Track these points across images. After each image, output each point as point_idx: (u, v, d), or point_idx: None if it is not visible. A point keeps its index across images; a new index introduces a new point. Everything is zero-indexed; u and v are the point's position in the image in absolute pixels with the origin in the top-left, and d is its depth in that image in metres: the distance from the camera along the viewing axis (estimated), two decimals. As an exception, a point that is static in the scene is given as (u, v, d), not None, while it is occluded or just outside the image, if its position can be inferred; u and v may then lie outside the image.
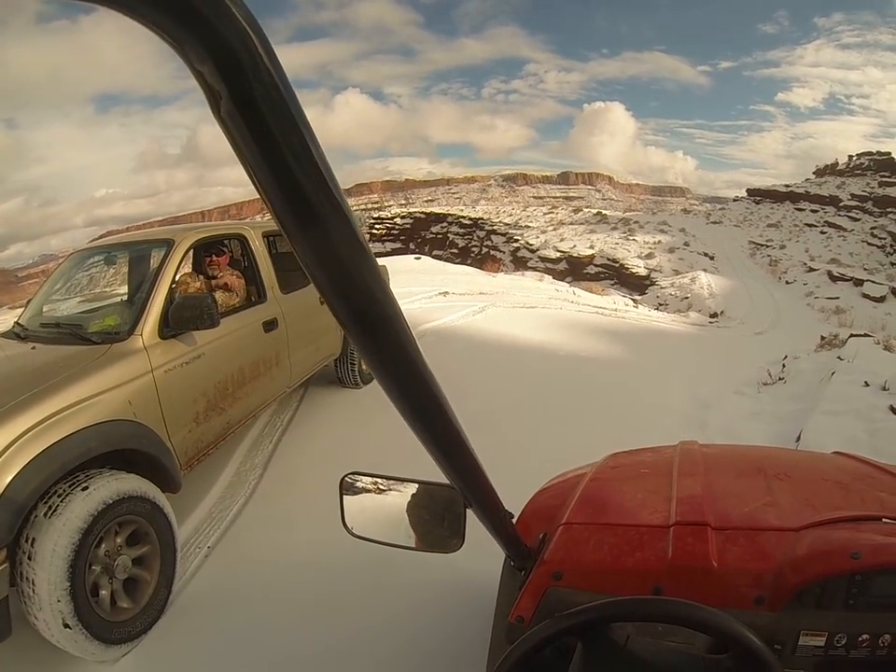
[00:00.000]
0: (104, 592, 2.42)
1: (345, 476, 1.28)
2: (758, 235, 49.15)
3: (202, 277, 4.02)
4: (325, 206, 0.38)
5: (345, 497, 1.27)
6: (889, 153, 53.37)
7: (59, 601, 2.17)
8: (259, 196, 0.38)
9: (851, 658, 1.00)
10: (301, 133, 0.35)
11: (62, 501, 2.27)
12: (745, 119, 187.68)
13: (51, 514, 2.23)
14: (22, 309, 3.87)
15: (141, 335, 2.95)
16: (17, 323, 3.56)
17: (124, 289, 4.25)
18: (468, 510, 1.00)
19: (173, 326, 3.06)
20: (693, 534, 1.18)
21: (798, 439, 4.62)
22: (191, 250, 3.83)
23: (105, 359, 2.74)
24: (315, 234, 0.39)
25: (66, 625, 2.19)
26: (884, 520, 1.16)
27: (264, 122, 0.33)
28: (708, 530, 1.18)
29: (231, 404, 3.50)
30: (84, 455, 2.40)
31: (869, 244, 44.00)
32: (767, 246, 45.89)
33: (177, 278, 3.49)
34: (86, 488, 2.33)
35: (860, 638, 1.00)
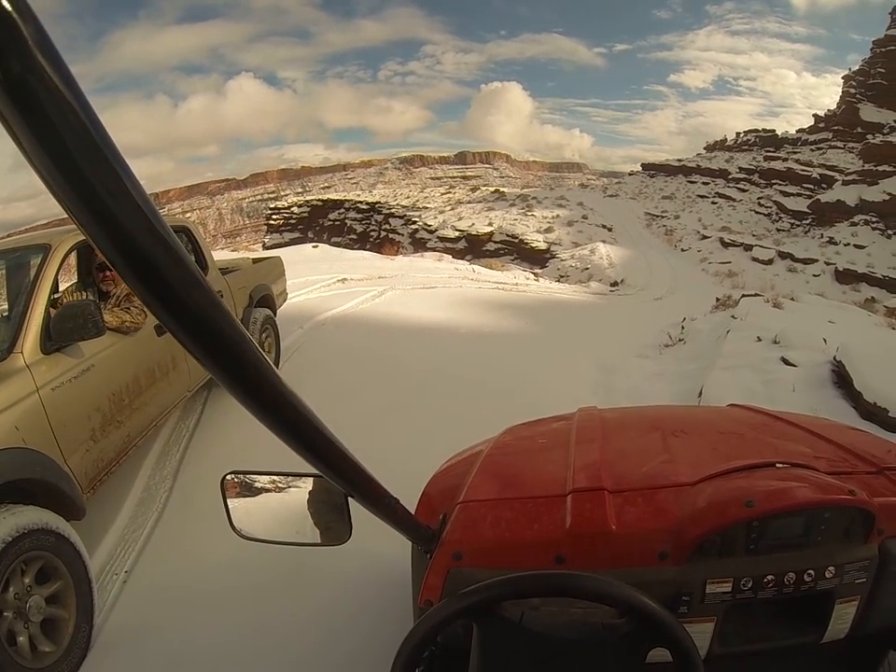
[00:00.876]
0: (21, 638, 2.21)
1: (225, 476, 1.23)
2: (653, 207, 52.02)
3: (89, 291, 3.66)
4: (123, 207, 0.34)
5: (229, 500, 1.22)
6: (773, 130, 59.16)
7: None
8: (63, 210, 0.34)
9: (760, 598, 1.07)
10: (86, 123, 0.32)
11: None
12: (639, 98, 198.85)
13: None
14: None
15: (21, 352, 2.68)
16: None
17: (4, 304, 3.90)
18: (350, 499, 0.99)
19: (56, 338, 2.81)
20: (591, 499, 1.21)
21: (700, 394, 4.91)
22: (72, 254, 3.52)
23: None
24: (123, 246, 0.36)
25: None
26: (777, 465, 1.22)
27: (42, 112, 0.30)
28: (605, 494, 1.21)
29: (128, 416, 3.28)
30: None
31: (756, 212, 47.90)
32: (663, 217, 48.76)
33: (61, 289, 3.22)
34: None
35: (765, 580, 1.06)
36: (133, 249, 0.35)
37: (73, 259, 3.55)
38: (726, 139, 62.69)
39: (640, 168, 65.54)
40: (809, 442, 1.44)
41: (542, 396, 4.97)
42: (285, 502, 1.21)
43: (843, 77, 54.10)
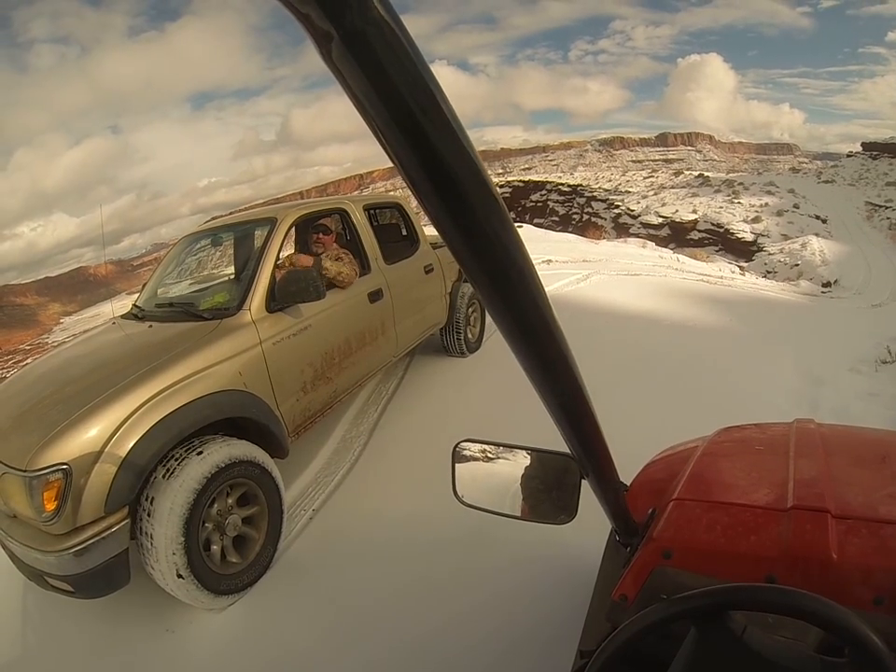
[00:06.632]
0: (215, 547, 2.61)
1: (458, 444, 1.26)
2: (875, 195, 44.96)
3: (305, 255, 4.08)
4: (452, 155, 0.34)
5: (457, 466, 1.25)
6: None
7: (174, 554, 2.35)
8: (387, 156, 0.35)
9: None
10: (420, 73, 0.32)
11: (178, 465, 2.44)
12: (854, 63, 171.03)
13: (169, 476, 2.41)
14: (138, 293, 4.06)
15: (249, 310, 3.05)
16: (135, 305, 3.78)
17: (231, 269, 4.43)
18: (583, 480, 0.95)
19: (279, 300, 3.16)
20: (812, 520, 1.06)
21: (924, 425, 4.24)
22: (294, 227, 3.93)
23: (215, 334, 2.87)
24: (447, 191, 0.36)
25: (180, 576, 2.39)
26: None
27: (379, 63, 0.30)
28: (829, 517, 1.05)
29: (337, 374, 3.58)
30: (199, 422, 2.57)
31: None
32: (887, 208, 42.06)
33: (282, 258, 3.57)
34: (200, 453, 2.50)
35: None
36: (455, 190, 0.36)
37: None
38: (965, 110, 52.76)
39: (860, 148, 56.61)
40: None
41: (744, 401, 4.58)
42: (507, 475, 1.21)
43: None
